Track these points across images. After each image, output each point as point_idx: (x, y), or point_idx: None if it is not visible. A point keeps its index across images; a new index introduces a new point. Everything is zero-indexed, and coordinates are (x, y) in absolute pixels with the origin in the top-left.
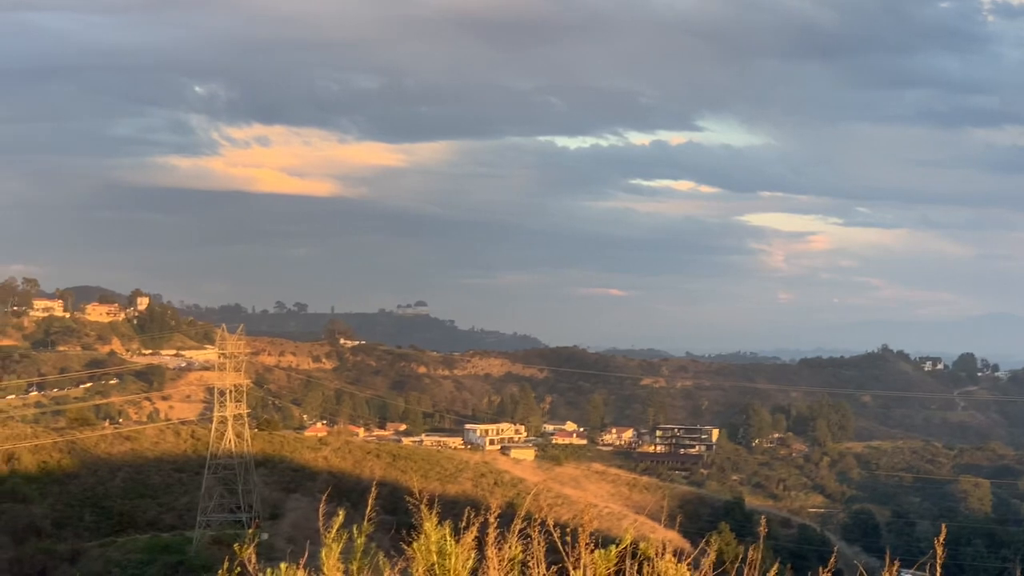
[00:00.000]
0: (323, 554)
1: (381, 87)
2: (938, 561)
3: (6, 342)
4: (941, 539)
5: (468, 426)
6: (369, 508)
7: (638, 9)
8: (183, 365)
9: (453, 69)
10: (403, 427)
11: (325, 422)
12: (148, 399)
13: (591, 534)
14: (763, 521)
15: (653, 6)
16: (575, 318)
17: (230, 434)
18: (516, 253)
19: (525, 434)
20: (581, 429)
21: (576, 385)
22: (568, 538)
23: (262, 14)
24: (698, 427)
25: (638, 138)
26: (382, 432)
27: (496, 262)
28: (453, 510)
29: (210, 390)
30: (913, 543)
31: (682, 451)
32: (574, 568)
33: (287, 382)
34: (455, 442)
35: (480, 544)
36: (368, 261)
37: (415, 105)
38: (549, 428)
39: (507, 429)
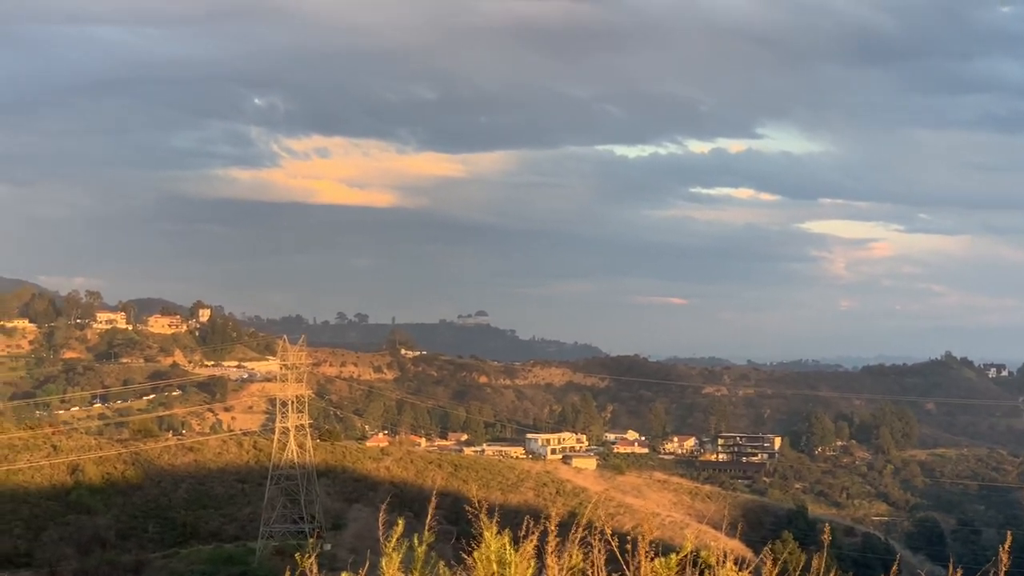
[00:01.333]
0: (383, 563)
1: (439, 97)
2: (1003, 569)
3: (70, 355)
4: (1006, 547)
5: (529, 436)
6: (429, 517)
7: (696, 15)
8: (245, 376)
9: (511, 78)
10: (464, 437)
11: (387, 432)
12: (210, 410)
13: (652, 543)
14: (826, 529)
15: (711, 12)
16: (635, 327)
17: (292, 445)
18: (576, 262)
19: (586, 443)
20: (643, 438)
21: (637, 394)
22: (629, 547)
23: (319, 24)
24: (760, 435)
25: (697, 146)
26: (444, 442)
27: (556, 272)
28: (515, 519)
29: (272, 401)
30: (979, 551)
31: (744, 459)
32: None
33: (348, 393)
34: (516, 452)
35: (540, 553)
36: (428, 271)
37: (473, 115)
38: (611, 437)
39: (568, 438)
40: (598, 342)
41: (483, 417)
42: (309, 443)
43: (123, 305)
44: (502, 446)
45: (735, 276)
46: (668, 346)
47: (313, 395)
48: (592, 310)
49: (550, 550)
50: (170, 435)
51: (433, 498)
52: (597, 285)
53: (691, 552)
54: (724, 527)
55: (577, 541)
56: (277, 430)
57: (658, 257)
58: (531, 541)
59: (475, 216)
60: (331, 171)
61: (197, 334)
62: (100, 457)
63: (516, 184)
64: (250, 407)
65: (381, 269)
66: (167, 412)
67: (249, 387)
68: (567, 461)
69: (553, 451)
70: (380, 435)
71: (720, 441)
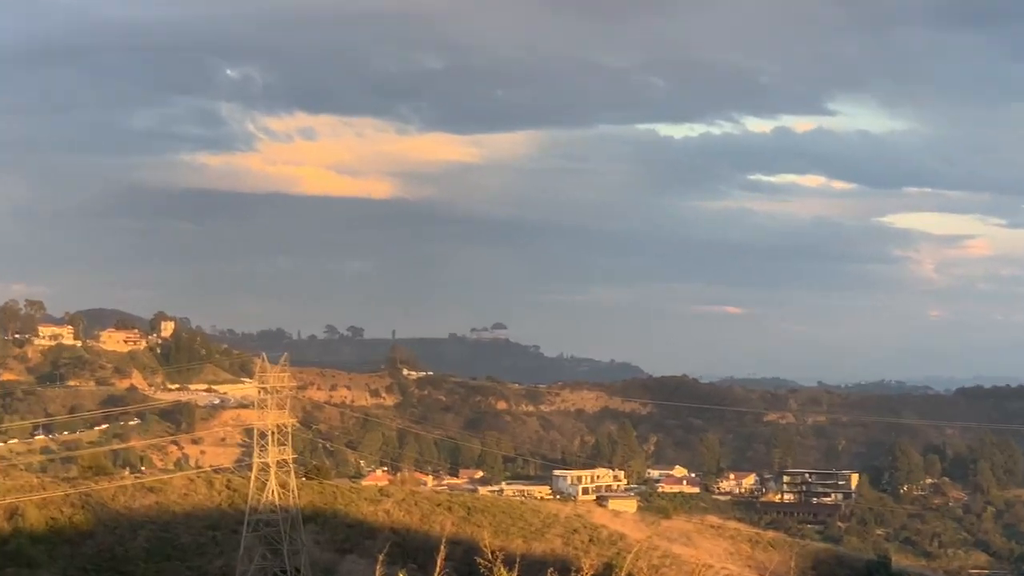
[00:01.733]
0: None
1: (448, 68)
2: None
3: (7, 376)
4: None
5: (557, 472)
6: (438, 571)
7: None
8: (216, 402)
9: (534, 45)
10: (479, 474)
11: (386, 469)
12: (175, 443)
13: None
14: None
15: None
16: (684, 341)
17: (273, 484)
18: (612, 265)
19: (625, 481)
20: (693, 475)
21: (686, 422)
22: None
23: None
24: (834, 471)
25: (757, 124)
26: (454, 480)
27: (588, 276)
28: (539, 572)
29: (249, 432)
30: None
31: (815, 500)
32: None
33: (340, 421)
34: (542, 491)
35: None
36: (435, 276)
37: (488, 87)
38: (654, 474)
39: (604, 475)
40: (639, 360)
41: (501, 450)
42: (293, 482)
43: (70, 317)
44: (524, 485)
45: (802, 280)
46: (722, 365)
47: (298, 424)
48: (631, 322)
49: None
50: (127, 472)
51: (442, 547)
52: (637, 292)
53: None
54: None
55: None
56: (255, 466)
57: (710, 258)
58: None
59: (491, 209)
60: (318, 156)
61: (159, 351)
62: (43, 499)
63: (540, 170)
64: (222, 439)
65: (378, 273)
66: (123, 445)
67: (221, 415)
68: (602, 502)
69: (585, 491)
70: (378, 472)
71: (785, 479)
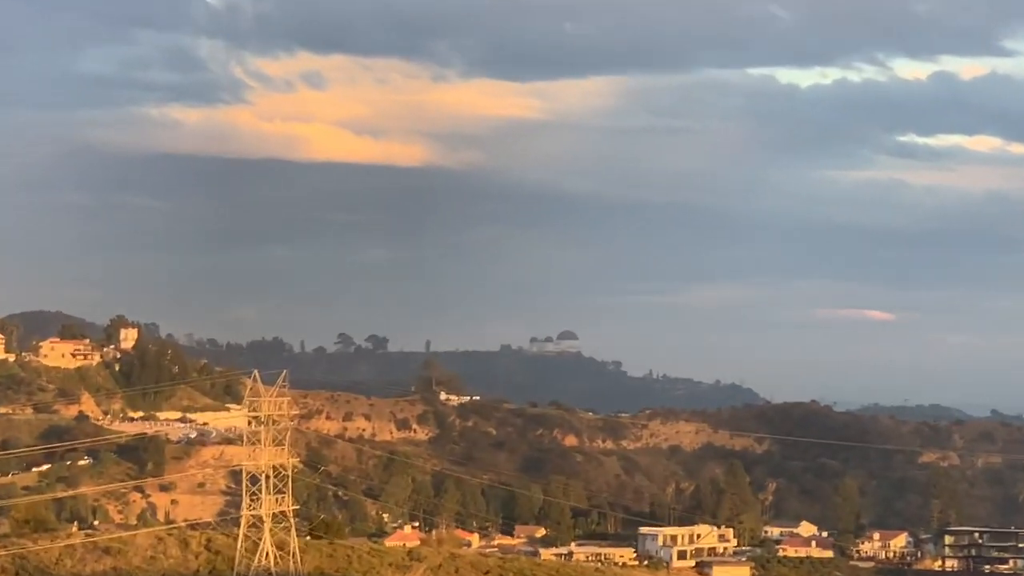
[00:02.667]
0: None
1: None
2: None
3: None
4: None
5: (644, 530)
6: None
7: None
8: (193, 435)
9: None
10: (541, 532)
11: (417, 525)
12: (139, 489)
13: None
14: None
15: None
16: (811, 357)
17: (268, 545)
18: (717, 255)
19: (735, 542)
20: (824, 534)
21: (815, 464)
22: None
23: None
24: (1012, 530)
25: (910, 69)
26: (508, 540)
27: (685, 270)
28: None
29: (236, 475)
30: None
31: (987, 568)
32: None
33: (357, 461)
34: (624, 555)
35: None
36: (482, 270)
37: (554, 21)
38: (773, 532)
39: (706, 534)
40: (753, 381)
41: (570, 500)
42: (294, 541)
43: (1, 323)
44: (601, 546)
45: (970, 276)
46: (864, 388)
47: (301, 465)
48: (743, 330)
49: None
50: (75, 528)
51: None
52: (751, 291)
53: None
54: None
55: None
56: (244, 521)
57: (847, 246)
58: None
59: (555, 181)
60: (327, 109)
61: (117, 368)
62: None
63: (622, 130)
64: (201, 484)
65: (407, 266)
66: (70, 492)
67: (199, 453)
68: (705, 570)
69: (682, 554)
70: (407, 529)
71: (948, 539)
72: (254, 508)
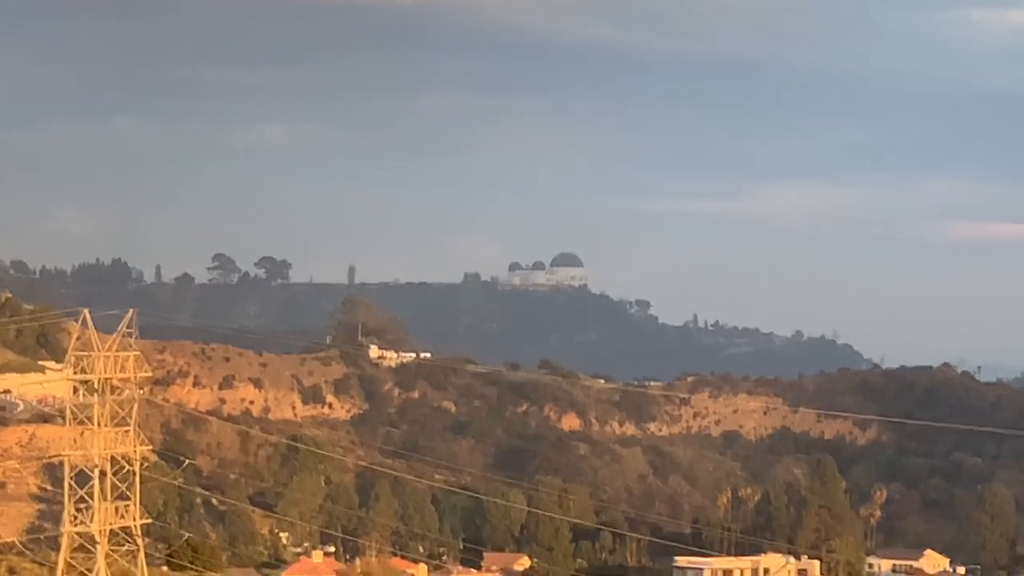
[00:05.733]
0: None
1: None
2: None
3: None
4: None
5: (684, 561)
6: None
7: None
8: None
9: None
10: (524, 562)
11: (332, 550)
12: None
13: None
14: None
15: None
16: (945, 299)
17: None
18: (799, 137)
19: None
20: (961, 570)
21: (948, 462)
22: None
23: None
24: None
25: None
26: (471, 575)
27: (749, 159)
28: None
29: (53, 471)
30: None
31: None
32: None
33: (241, 452)
34: None
35: None
36: (435, 156)
37: None
38: (883, 567)
39: (779, 568)
40: (853, 334)
41: (570, 515)
42: (143, 573)
43: None
44: None
45: None
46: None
47: (155, 457)
48: (838, 256)
49: None
50: None
51: None
52: (851, 194)
53: None
54: None
55: None
56: (65, 541)
57: (1002, 126)
58: None
59: (558, 24)
60: None
61: None
62: None
63: None
64: (0, 484)
65: (314, 147)
66: None
67: None
68: None
69: None
70: (317, 556)
71: None
72: (81, 522)
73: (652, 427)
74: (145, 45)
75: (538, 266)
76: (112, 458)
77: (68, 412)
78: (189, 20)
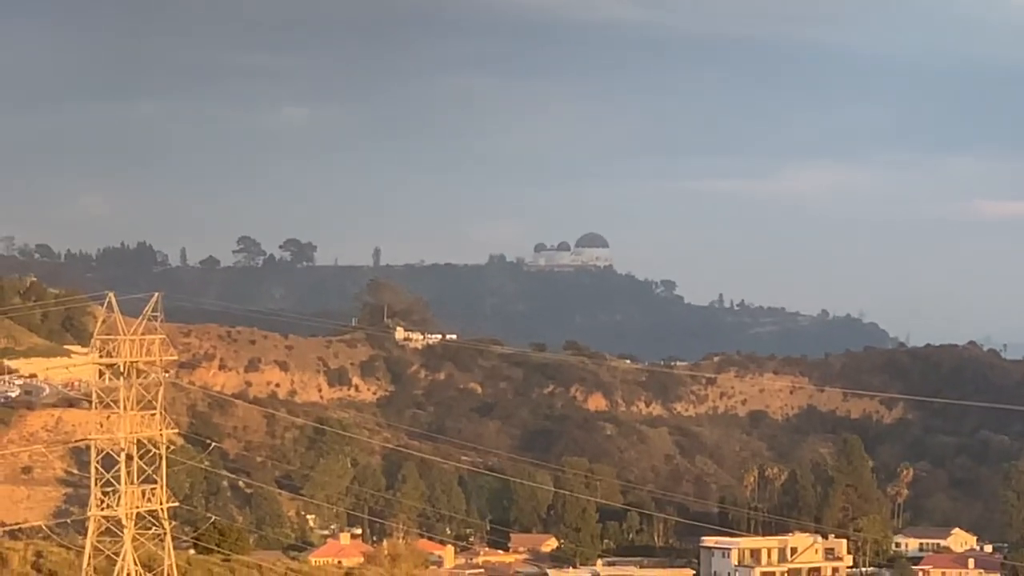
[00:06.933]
0: None
1: None
2: None
3: None
4: None
5: (711, 541)
6: None
7: None
8: (14, 394)
9: None
10: (551, 543)
11: (360, 532)
12: None
13: None
14: None
15: None
16: (971, 276)
17: (129, 563)
18: (824, 117)
19: (849, 559)
20: (988, 548)
21: (975, 440)
22: None
23: None
24: None
25: None
26: (499, 555)
27: (774, 139)
28: None
29: (80, 454)
30: None
31: None
32: None
33: (268, 435)
34: None
35: None
36: (459, 138)
37: None
38: (910, 545)
39: (806, 547)
40: (879, 313)
41: (596, 496)
42: (170, 557)
43: None
44: (644, 567)
45: None
46: None
47: (182, 440)
48: (864, 235)
49: None
50: None
51: None
52: (876, 174)
53: None
54: None
55: None
56: (92, 525)
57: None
58: None
59: (580, 2)
60: None
61: None
62: None
63: None
64: (26, 468)
65: (339, 131)
66: None
67: (23, 420)
68: None
69: None
70: (344, 537)
71: None
72: (108, 506)
73: (678, 407)
74: (169, 28)
75: (563, 247)
76: (138, 441)
77: (94, 396)
78: (213, 3)
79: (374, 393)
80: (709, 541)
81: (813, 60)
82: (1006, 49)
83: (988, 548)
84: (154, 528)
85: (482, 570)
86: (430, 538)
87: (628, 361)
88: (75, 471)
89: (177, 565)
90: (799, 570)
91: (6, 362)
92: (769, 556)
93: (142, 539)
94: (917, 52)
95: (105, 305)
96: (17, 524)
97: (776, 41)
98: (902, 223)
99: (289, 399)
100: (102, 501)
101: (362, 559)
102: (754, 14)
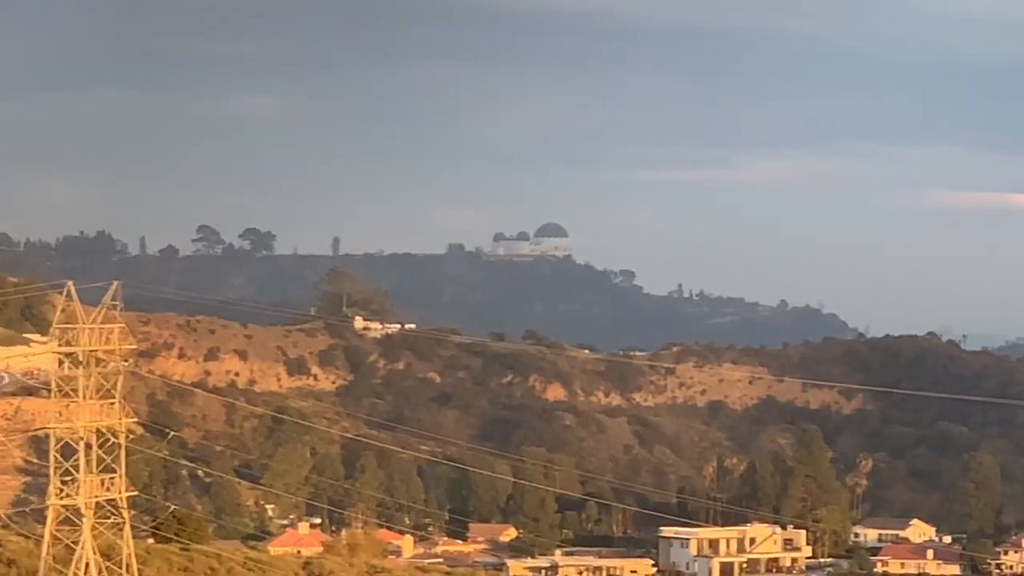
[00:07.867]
0: None
1: None
2: None
3: None
4: None
5: (669, 531)
6: None
7: None
8: None
9: None
10: (510, 533)
11: (319, 522)
12: None
13: None
14: None
15: None
16: (929, 268)
17: (88, 552)
18: (786, 106)
19: (808, 550)
20: (946, 539)
21: (934, 431)
22: None
23: None
24: None
25: None
26: (458, 545)
27: (736, 127)
28: None
29: (39, 443)
30: None
31: None
32: None
33: (227, 424)
34: (638, 568)
35: None
36: (420, 127)
37: None
38: (868, 535)
39: (765, 538)
40: (838, 303)
41: (555, 486)
42: (129, 546)
43: None
44: (603, 556)
45: None
46: (1009, 317)
47: (141, 429)
48: (824, 225)
49: None
50: None
51: None
52: (837, 163)
53: None
54: None
55: None
56: (51, 515)
57: (990, 93)
58: None
59: None
60: None
61: None
62: None
63: None
64: None
65: (301, 119)
66: None
67: None
68: None
69: (727, 568)
70: (303, 527)
71: None
72: (67, 495)
73: (637, 397)
74: (129, 16)
75: (522, 236)
76: (97, 430)
77: (53, 385)
78: None
79: (333, 382)
80: (668, 531)
81: (775, 50)
82: (969, 41)
83: (947, 539)
84: (113, 517)
85: (441, 560)
86: (389, 528)
87: (587, 351)
88: (34, 460)
89: (136, 554)
90: (758, 560)
91: None
92: (728, 546)
93: (101, 528)
94: (879, 44)
95: (64, 294)
96: None
97: (738, 30)
98: (862, 213)
99: (248, 388)
100: (61, 490)
101: (321, 549)
102: (716, 3)
